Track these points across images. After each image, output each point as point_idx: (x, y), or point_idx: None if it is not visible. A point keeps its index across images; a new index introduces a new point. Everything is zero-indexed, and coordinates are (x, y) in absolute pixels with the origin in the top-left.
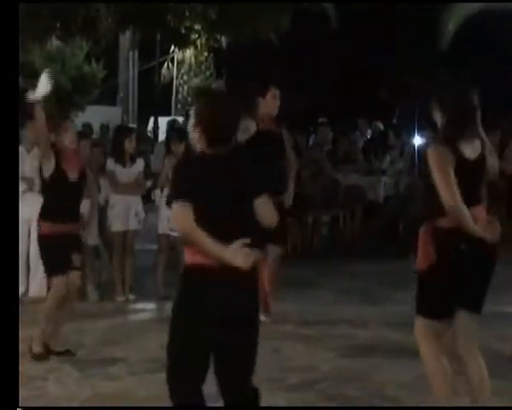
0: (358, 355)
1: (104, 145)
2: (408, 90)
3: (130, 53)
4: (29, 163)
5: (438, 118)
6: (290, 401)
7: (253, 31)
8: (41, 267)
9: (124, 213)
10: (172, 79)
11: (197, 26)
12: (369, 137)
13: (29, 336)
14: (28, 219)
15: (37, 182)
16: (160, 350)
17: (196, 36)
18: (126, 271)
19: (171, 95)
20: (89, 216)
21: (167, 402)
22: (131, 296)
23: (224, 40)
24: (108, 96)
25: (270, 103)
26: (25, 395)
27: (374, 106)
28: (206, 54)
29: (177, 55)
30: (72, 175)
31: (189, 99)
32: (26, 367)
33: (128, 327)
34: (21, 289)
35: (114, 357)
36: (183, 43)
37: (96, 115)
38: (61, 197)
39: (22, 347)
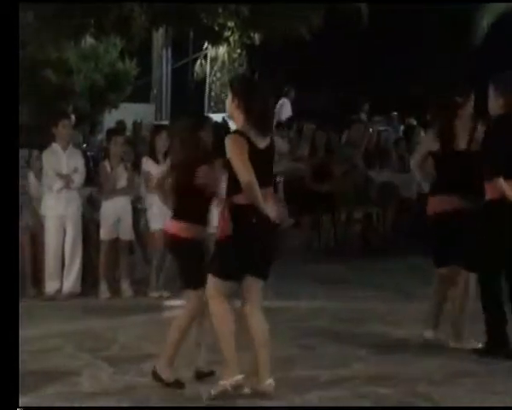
0: (390, 352)
1: (136, 143)
2: (441, 86)
3: (164, 50)
4: (65, 161)
5: None
6: (322, 399)
7: (285, 28)
8: (76, 263)
9: (161, 212)
10: (205, 76)
11: (230, 23)
12: (401, 133)
13: (58, 332)
14: (63, 215)
15: (75, 179)
16: (193, 346)
17: (229, 33)
18: (163, 268)
19: (205, 92)
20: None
21: (198, 402)
22: (165, 293)
23: (257, 37)
24: (142, 94)
25: None
26: (58, 391)
27: (406, 103)
28: (239, 51)
29: (211, 52)
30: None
31: (223, 96)
32: (59, 363)
33: (162, 323)
34: (55, 286)
35: (148, 353)
36: (216, 40)
37: (129, 113)
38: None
39: (53, 342)
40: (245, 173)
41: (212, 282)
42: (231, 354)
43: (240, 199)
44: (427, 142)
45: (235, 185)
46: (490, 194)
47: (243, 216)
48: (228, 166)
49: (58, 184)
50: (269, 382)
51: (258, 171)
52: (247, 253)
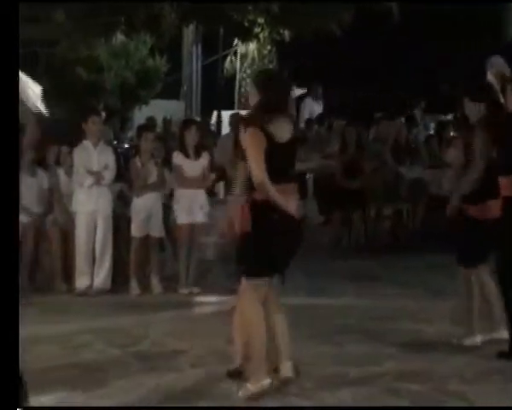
0: (421, 350)
1: (167, 139)
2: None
3: (194, 47)
4: (95, 157)
5: None
6: (354, 396)
7: (315, 24)
8: (106, 260)
9: (189, 206)
10: (235, 72)
11: (260, 20)
12: (432, 130)
13: (89, 328)
14: (93, 211)
15: (106, 176)
16: (222, 343)
17: (259, 29)
18: (191, 264)
19: (234, 88)
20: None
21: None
22: (195, 289)
23: (286, 33)
24: (172, 91)
25: None
26: (88, 387)
27: (437, 100)
28: (269, 47)
29: (240, 48)
30: None
31: None
32: (89, 359)
33: (192, 320)
34: (86, 282)
35: (177, 350)
36: (246, 36)
37: (159, 109)
38: None
39: (83, 338)
40: (256, 171)
41: (244, 283)
42: (261, 357)
43: (259, 194)
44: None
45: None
46: (507, 190)
47: (263, 212)
48: (246, 160)
49: (88, 180)
50: (288, 364)
51: (277, 166)
52: (268, 249)
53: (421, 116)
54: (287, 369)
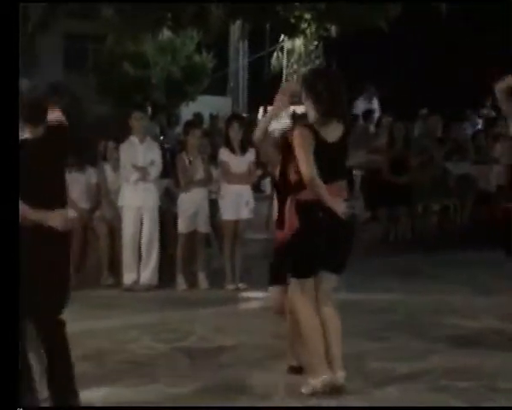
0: (468, 346)
1: (213, 135)
2: None
3: (240, 43)
4: (141, 153)
5: None
6: (401, 392)
7: (362, 19)
8: (153, 255)
9: (235, 202)
10: (282, 68)
11: (307, 16)
12: (479, 125)
13: (136, 323)
14: (140, 207)
15: (152, 171)
16: (268, 338)
17: (306, 25)
18: (236, 259)
19: (281, 84)
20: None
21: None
22: (241, 285)
23: (333, 29)
24: (218, 86)
25: None
26: (135, 383)
27: (484, 95)
28: (315, 43)
29: (287, 44)
30: None
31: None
32: (137, 354)
33: (238, 315)
34: (133, 277)
35: (224, 345)
36: (292, 32)
37: (206, 105)
38: None
39: (131, 334)
40: (306, 169)
41: (292, 282)
42: (319, 353)
43: (306, 194)
44: None
45: (301, 180)
46: None
47: (308, 211)
48: (294, 160)
49: (134, 176)
50: (341, 374)
51: (326, 165)
52: (315, 248)
53: (469, 112)
54: (340, 378)
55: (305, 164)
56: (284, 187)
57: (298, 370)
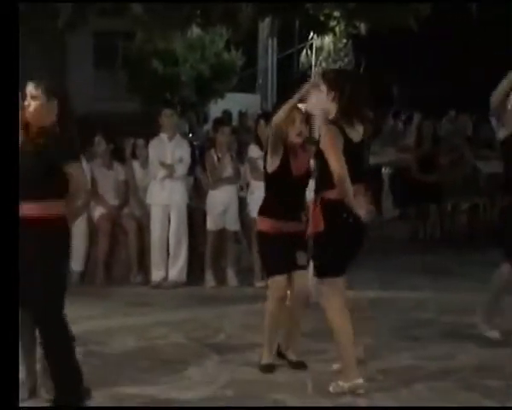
0: (497, 345)
1: (240, 132)
2: None
3: (270, 40)
4: (170, 150)
5: None
6: (430, 389)
7: (392, 17)
8: (181, 252)
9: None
10: (311, 66)
11: (336, 13)
12: None
13: (165, 320)
14: (167, 204)
15: (179, 169)
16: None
17: (335, 23)
18: None
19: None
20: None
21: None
22: None
23: (362, 27)
24: (247, 84)
25: None
26: (165, 380)
27: None
28: (344, 40)
29: (316, 41)
30: (297, 172)
31: None
32: (167, 351)
33: None
34: (161, 274)
35: (254, 343)
36: (321, 29)
37: (235, 102)
38: (285, 194)
39: (160, 331)
40: (338, 166)
41: (320, 284)
42: (351, 355)
43: (331, 194)
44: None
45: (326, 180)
46: None
47: (337, 211)
48: (319, 158)
49: (161, 173)
50: (360, 382)
51: (350, 165)
52: (344, 248)
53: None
54: (360, 385)
55: (338, 163)
56: (283, 180)
57: (272, 368)
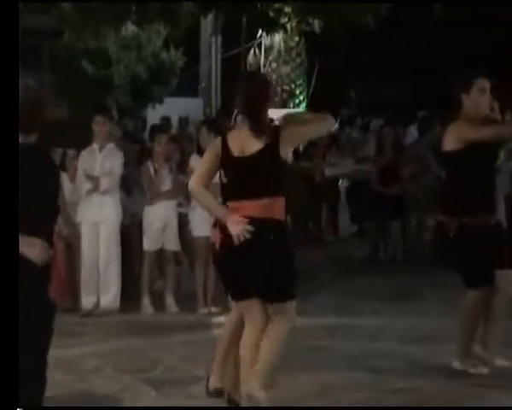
0: (468, 376)
1: (182, 140)
2: None
3: (213, 38)
4: (99, 161)
5: None
6: None
7: (348, 14)
8: (112, 276)
9: (208, 216)
10: (260, 66)
11: (287, 9)
12: None
13: (96, 352)
14: (96, 222)
15: (104, 182)
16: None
17: (286, 19)
18: (209, 280)
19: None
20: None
21: None
22: (214, 309)
23: (316, 24)
24: (189, 87)
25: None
26: None
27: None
28: (296, 39)
29: (265, 40)
30: None
31: (278, 89)
32: (99, 385)
33: (210, 343)
34: (92, 300)
35: (195, 375)
36: (271, 27)
37: (175, 108)
38: None
39: (91, 363)
40: (192, 178)
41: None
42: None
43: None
44: None
45: (225, 192)
46: None
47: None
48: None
49: (86, 186)
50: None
51: (238, 179)
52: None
53: None
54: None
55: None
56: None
57: (221, 393)
